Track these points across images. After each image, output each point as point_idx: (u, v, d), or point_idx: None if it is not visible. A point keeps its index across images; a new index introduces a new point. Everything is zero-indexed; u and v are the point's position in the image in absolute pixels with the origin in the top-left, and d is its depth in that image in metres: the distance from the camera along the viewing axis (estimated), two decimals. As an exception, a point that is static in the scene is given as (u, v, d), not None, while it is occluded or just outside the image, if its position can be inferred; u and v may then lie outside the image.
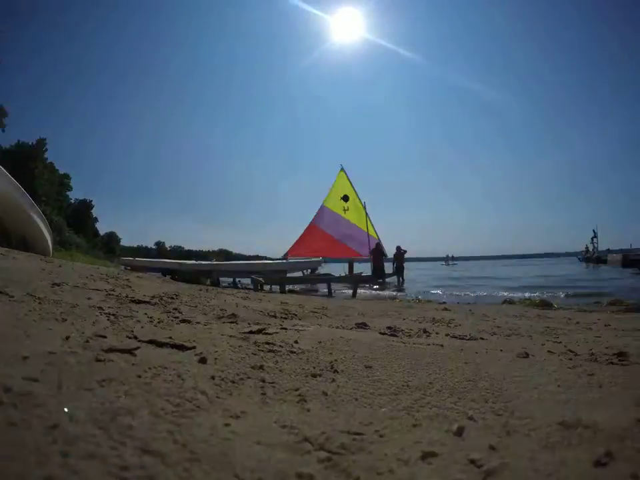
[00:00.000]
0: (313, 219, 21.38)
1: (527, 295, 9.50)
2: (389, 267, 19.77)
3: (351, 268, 20.04)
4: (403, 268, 19.25)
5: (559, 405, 1.42)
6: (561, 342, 2.85)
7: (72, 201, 50.39)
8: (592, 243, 46.07)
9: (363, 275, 16.59)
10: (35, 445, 0.81)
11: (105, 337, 1.89)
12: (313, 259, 18.92)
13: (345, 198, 21.25)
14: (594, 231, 46.09)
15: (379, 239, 20.53)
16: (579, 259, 46.31)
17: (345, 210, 21.19)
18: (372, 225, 20.79)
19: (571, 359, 2.19)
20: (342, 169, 21.51)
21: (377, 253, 19.31)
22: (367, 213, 20.70)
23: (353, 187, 21.38)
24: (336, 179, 21.72)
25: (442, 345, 2.54)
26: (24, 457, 0.76)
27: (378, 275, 18.35)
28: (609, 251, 41.82)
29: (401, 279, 18.78)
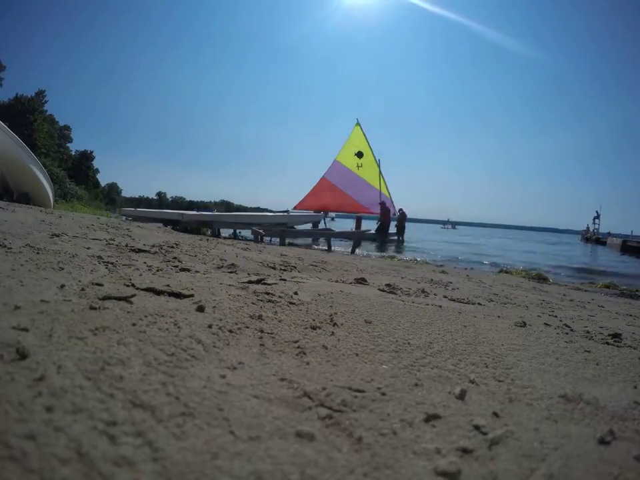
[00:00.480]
0: (324, 173, 21.35)
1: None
2: (391, 228, 19.69)
3: (358, 224, 19.59)
4: (404, 228, 19.21)
5: (558, 377, 1.40)
6: (556, 316, 2.83)
7: (72, 153, 49.97)
8: (594, 223, 45.98)
9: (368, 231, 16.58)
10: (17, 399, 0.76)
11: (101, 285, 1.85)
12: (313, 213, 19.12)
13: (359, 154, 20.88)
14: (597, 211, 45.92)
15: (390, 197, 20.48)
16: (582, 237, 46.20)
17: (358, 166, 20.86)
18: (385, 183, 20.66)
19: (567, 334, 2.16)
20: (357, 123, 21.16)
21: (384, 211, 19.24)
22: (380, 171, 20.56)
23: (369, 143, 20.94)
24: (351, 133, 21.36)
25: (440, 306, 2.51)
26: (4, 412, 0.72)
27: (383, 233, 18.41)
28: (609, 234, 41.79)
29: (401, 238, 18.68)
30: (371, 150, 20.82)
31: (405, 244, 17.58)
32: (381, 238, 17.50)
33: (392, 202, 20.47)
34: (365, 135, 21.01)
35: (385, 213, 19.18)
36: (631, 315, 3.47)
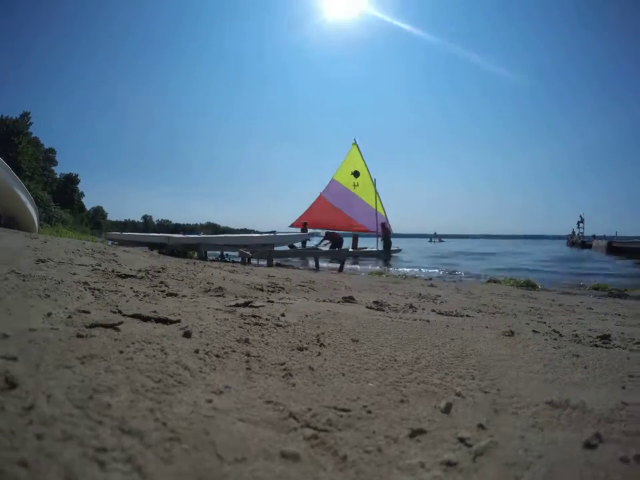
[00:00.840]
0: (322, 192, 21.97)
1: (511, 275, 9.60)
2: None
3: (355, 242, 20.60)
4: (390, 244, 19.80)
5: (545, 384, 1.42)
6: (545, 322, 2.87)
7: (57, 176, 49.67)
8: (578, 227, 46.87)
9: (367, 249, 18.48)
10: (8, 427, 0.77)
11: (88, 312, 1.85)
12: (300, 233, 19.57)
13: (356, 173, 21.54)
14: (581, 216, 46.86)
15: (386, 216, 21.01)
16: (567, 242, 47.06)
17: (354, 185, 21.50)
18: (381, 202, 21.21)
19: (555, 339, 2.20)
20: (354, 143, 21.88)
21: (386, 230, 19.77)
22: (376, 190, 21.13)
23: (365, 163, 21.62)
24: (348, 153, 22.02)
25: (428, 321, 2.54)
26: (-4, 440, 0.73)
27: (387, 251, 19.03)
28: (594, 237, 42.55)
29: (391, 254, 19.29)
30: (367, 170, 21.49)
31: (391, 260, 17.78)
32: (385, 256, 18.19)
33: (387, 220, 20.89)
34: (361, 154, 21.70)
35: (386, 234, 19.64)
36: (619, 315, 3.53)
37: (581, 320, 3.08)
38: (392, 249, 19.41)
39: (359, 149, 21.69)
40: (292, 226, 21.70)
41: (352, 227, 21.49)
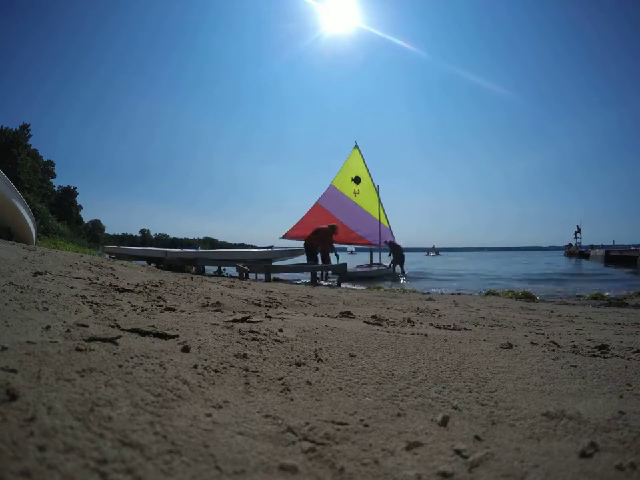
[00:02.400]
0: (318, 199, 19.46)
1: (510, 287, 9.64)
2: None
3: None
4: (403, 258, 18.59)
5: (542, 396, 1.43)
6: (543, 334, 2.88)
7: (56, 189, 49.75)
8: (575, 237, 47.04)
9: (380, 267, 17.16)
10: (10, 438, 0.78)
11: (86, 326, 1.86)
12: (296, 248, 17.33)
13: (357, 180, 19.36)
14: (578, 226, 47.07)
15: (390, 227, 19.44)
16: (565, 253, 47.29)
17: (355, 193, 19.35)
18: (384, 211, 19.35)
19: (553, 351, 2.21)
20: (356, 146, 19.69)
21: (395, 246, 18.50)
22: (379, 199, 19.25)
23: (367, 168, 19.47)
24: (348, 156, 19.78)
25: (426, 335, 2.55)
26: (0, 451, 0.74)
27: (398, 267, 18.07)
28: (591, 246, 42.72)
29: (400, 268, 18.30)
30: (370, 175, 19.40)
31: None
32: (400, 273, 17.52)
33: (391, 232, 19.42)
34: (363, 158, 19.57)
35: (396, 248, 18.37)
36: (619, 324, 3.54)
37: (579, 330, 3.10)
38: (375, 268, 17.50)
39: (360, 153, 19.49)
40: (284, 237, 19.01)
41: (353, 240, 19.46)
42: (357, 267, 17.18)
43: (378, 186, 19.32)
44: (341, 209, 19.20)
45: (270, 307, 3.68)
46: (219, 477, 0.78)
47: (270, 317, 2.84)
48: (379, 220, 19.05)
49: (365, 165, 19.45)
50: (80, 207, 53.01)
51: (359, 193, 19.34)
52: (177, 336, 1.87)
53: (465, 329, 3.05)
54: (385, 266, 17.68)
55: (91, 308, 2.34)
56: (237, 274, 10.36)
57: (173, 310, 2.72)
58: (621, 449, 1.01)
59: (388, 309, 4.27)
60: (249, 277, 10.03)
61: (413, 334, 2.57)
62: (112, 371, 1.27)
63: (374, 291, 8.39)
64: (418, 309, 4.33)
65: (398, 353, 1.98)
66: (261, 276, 10.51)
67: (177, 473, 0.77)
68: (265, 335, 2.10)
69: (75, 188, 52.02)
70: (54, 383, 1.09)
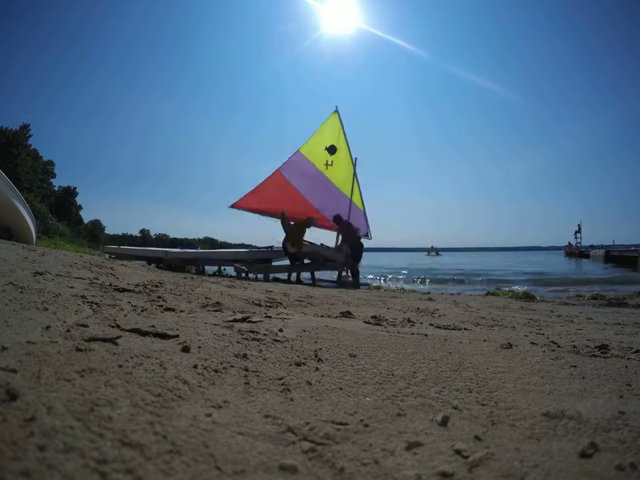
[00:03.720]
0: (281, 166, 15.15)
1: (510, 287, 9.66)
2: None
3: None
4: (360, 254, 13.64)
5: (542, 396, 1.43)
6: (543, 334, 2.88)
7: (56, 189, 49.80)
8: (575, 237, 47.12)
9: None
10: (10, 438, 0.78)
11: (86, 326, 1.86)
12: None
13: (332, 149, 15.37)
14: (579, 225, 47.13)
15: (364, 211, 15.45)
16: (565, 253, 47.41)
17: (327, 165, 15.35)
18: (360, 190, 15.42)
19: (553, 351, 2.21)
20: (336, 111, 15.68)
21: (350, 229, 13.54)
22: (355, 174, 15.33)
23: (346, 137, 15.50)
24: (324, 122, 15.67)
25: (426, 335, 2.55)
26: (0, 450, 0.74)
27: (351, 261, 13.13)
28: (591, 246, 42.78)
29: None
30: (348, 146, 15.47)
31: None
32: (349, 267, 13.11)
33: (365, 217, 15.45)
34: (343, 127, 15.53)
35: (352, 232, 13.51)
36: (619, 324, 3.54)
37: (579, 330, 3.10)
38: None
39: (340, 120, 15.49)
40: (234, 206, 14.72)
41: (317, 222, 14.24)
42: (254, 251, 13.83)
43: (355, 158, 15.41)
44: (306, 181, 15.25)
45: (270, 306, 3.67)
46: (219, 477, 0.78)
47: (270, 317, 2.84)
48: (351, 199, 15.06)
49: (344, 133, 15.54)
50: (80, 207, 53.06)
51: (331, 165, 15.44)
52: (177, 336, 1.87)
53: (465, 329, 3.05)
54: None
55: (91, 308, 2.34)
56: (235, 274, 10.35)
57: (173, 310, 2.72)
58: (621, 449, 1.01)
59: (388, 308, 4.26)
60: (249, 277, 10.02)
61: (413, 334, 2.57)
62: (112, 370, 1.27)
63: (374, 291, 8.39)
64: (418, 308, 4.33)
65: (398, 353, 1.98)
66: (261, 276, 10.51)
67: (177, 472, 0.77)
68: (265, 334, 2.10)
69: (75, 188, 52.10)
70: (54, 382, 1.09)
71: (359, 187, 15.37)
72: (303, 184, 15.17)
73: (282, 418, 1.09)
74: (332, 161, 15.34)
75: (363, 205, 15.47)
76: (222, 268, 12.63)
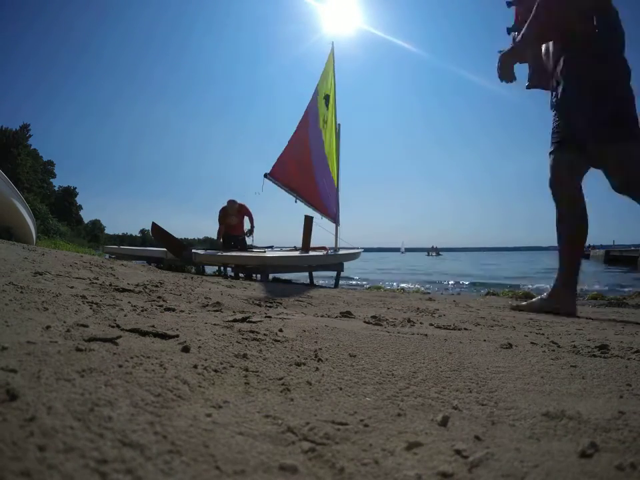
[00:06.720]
0: (302, 119, 10.34)
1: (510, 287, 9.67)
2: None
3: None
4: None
5: (542, 396, 1.43)
6: (543, 334, 2.88)
7: (56, 189, 49.82)
8: None
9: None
10: (10, 438, 0.79)
11: (86, 326, 1.86)
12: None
13: (327, 100, 11.52)
14: None
15: (338, 187, 12.29)
16: None
17: (324, 123, 11.49)
18: (337, 157, 12.05)
19: (553, 351, 2.20)
20: (332, 49, 11.86)
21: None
22: (338, 145, 12.00)
23: (335, 85, 11.92)
24: (327, 62, 11.71)
25: (426, 335, 2.54)
26: (-1, 450, 0.74)
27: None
28: (591, 246, 42.73)
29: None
30: (334, 101, 11.86)
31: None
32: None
33: (337, 194, 12.29)
34: (334, 69, 11.91)
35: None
36: (619, 323, 3.53)
37: (579, 330, 3.09)
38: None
39: (333, 58, 11.72)
40: (271, 176, 10.11)
41: (319, 208, 11.17)
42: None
43: (339, 124, 12.00)
44: (316, 147, 11.06)
45: (270, 306, 3.67)
46: (219, 477, 0.78)
47: (270, 317, 2.83)
48: (332, 176, 12.09)
49: (334, 79, 11.92)
50: (80, 207, 53.10)
51: (326, 124, 11.57)
52: (177, 336, 1.87)
53: (465, 329, 3.04)
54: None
55: (90, 308, 2.34)
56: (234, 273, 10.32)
57: (173, 310, 2.72)
58: (621, 449, 1.01)
59: (388, 309, 4.26)
60: (251, 277, 10.00)
61: (413, 334, 2.56)
62: (112, 370, 1.26)
63: (374, 291, 8.40)
64: (418, 308, 4.33)
65: (398, 352, 1.98)
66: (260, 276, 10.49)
67: (177, 473, 0.77)
68: (264, 335, 2.10)
69: (75, 188, 52.15)
70: (54, 383, 1.09)
71: (338, 158, 12.10)
72: (318, 152, 11.17)
73: (282, 418, 1.09)
74: (326, 120, 11.64)
75: (337, 176, 12.24)
76: (222, 268, 12.60)
